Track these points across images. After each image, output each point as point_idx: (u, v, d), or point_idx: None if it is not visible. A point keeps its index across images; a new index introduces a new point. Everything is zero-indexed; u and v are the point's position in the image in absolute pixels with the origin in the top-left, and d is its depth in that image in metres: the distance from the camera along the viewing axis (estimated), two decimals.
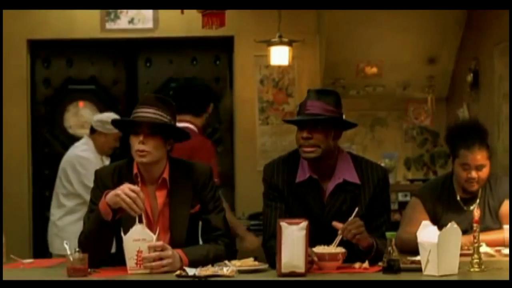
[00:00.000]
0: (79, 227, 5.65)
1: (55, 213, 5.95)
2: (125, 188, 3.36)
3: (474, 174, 4.05)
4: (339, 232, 3.40)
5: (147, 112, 3.51)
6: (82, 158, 5.85)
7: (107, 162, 5.93)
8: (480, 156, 4.04)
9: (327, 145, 3.54)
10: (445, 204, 4.12)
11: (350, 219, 3.43)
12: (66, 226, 5.82)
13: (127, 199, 3.33)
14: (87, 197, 5.49)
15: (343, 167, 3.62)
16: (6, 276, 3.26)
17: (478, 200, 4.11)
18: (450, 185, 4.18)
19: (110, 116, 5.81)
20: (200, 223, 3.65)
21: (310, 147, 3.54)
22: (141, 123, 3.51)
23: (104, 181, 3.61)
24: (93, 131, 5.96)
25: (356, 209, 3.47)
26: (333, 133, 3.56)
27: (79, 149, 5.94)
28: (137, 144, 3.50)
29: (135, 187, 3.38)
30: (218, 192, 3.70)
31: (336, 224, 3.42)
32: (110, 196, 3.38)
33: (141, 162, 3.52)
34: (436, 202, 4.13)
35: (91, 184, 5.53)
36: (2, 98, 7.22)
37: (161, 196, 3.58)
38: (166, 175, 3.59)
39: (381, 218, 3.61)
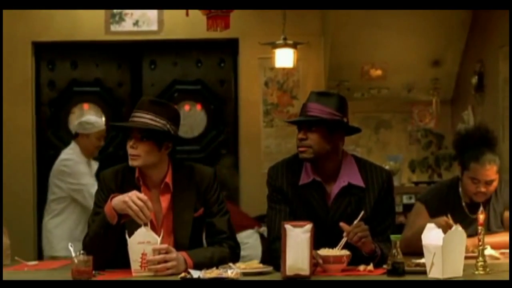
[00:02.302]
0: (65, 229, 5.81)
1: (44, 216, 6.09)
2: (133, 196, 3.35)
3: (483, 188, 4.01)
4: (344, 234, 3.40)
5: (139, 117, 3.52)
6: (66, 160, 5.94)
7: (95, 166, 5.99)
8: (490, 172, 4.00)
9: (322, 146, 3.54)
10: (450, 210, 4.03)
11: (355, 222, 3.43)
12: (53, 228, 5.95)
13: (134, 207, 3.33)
14: (77, 195, 5.67)
15: (347, 170, 3.61)
16: (9, 278, 3.27)
17: (482, 206, 4.06)
18: (456, 190, 4.13)
19: (88, 117, 6.23)
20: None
21: (303, 147, 3.55)
22: (133, 128, 3.52)
23: (108, 183, 3.60)
24: (76, 135, 6.05)
25: (362, 212, 3.47)
26: (332, 135, 3.56)
27: (63, 154, 6.04)
28: (129, 148, 3.52)
29: (143, 196, 3.37)
30: (222, 195, 3.70)
31: (343, 225, 3.42)
32: (117, 201, 3.38)
33: (133, 165, 3.54)
34: (440, 208, 4.07)
35: (78, 181, 5.67)
36: (2, 99, 7.22)
37: (165, 201, 3.58)
38: (168, 179, 3.58)
39: (386, 221, 3.61)
